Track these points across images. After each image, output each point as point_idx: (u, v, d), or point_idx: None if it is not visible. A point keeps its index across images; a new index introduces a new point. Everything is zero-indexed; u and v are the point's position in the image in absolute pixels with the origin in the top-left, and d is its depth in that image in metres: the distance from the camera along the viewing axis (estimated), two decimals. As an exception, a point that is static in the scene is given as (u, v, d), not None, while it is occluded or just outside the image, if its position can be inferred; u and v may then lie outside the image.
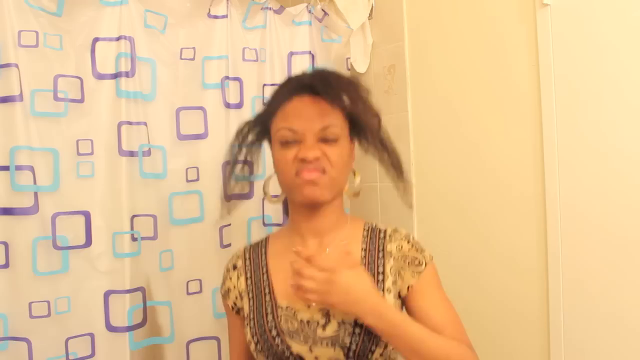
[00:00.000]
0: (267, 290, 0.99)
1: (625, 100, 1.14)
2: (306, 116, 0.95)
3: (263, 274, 1.01)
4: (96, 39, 1.43)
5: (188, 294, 1.54)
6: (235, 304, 1.04)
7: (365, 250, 1.03)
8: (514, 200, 1.37)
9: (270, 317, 0.95)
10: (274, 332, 0.93)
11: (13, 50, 1.31)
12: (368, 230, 1.06)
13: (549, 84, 1.26)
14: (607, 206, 1.18)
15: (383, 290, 0.98)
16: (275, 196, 1.07)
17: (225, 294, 1.06)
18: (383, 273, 1.00)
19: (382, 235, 1.06)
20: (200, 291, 1.56)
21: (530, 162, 1.33)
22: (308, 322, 0.94)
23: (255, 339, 0.95)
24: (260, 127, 1.04)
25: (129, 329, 1.42)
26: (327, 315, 0.94)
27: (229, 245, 1.59)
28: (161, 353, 1.52)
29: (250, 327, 0.96)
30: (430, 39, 1.58)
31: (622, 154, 1.15)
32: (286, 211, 1.10)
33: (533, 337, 1.34)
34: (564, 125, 1.24)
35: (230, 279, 1.05)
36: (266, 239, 1.09)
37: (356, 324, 0.92)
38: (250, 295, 1.00)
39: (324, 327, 0.93)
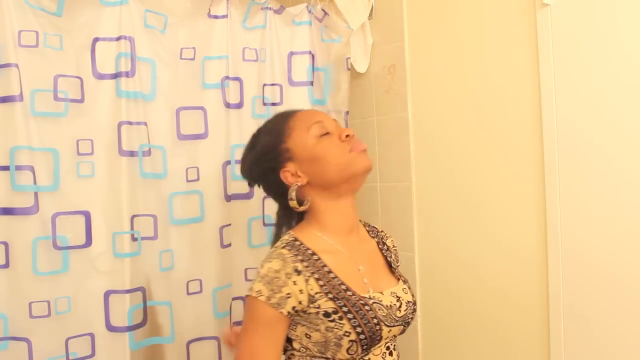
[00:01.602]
0: (343, 287, 1.00)
1: (625, 99, 1.14)
2: (320, 115, 1.12)
3: (329, 273, 1.01)
4: (96, 39, 1.43)
5: (188, 294, 1.54)
6: (294, 308, 0.98)
7: (378, 243, 1.18)
8: (514, 200, 1.37)
9: (368, 309, 1.00)
10: (375, 321, 0.99)
11: (13, 50, 1.31)
12: (365, 226, 1.20)
13: (549, 84, 1.27)
14: (607, 206, 1.18)
15: (404, 279, 1.15)
16: (301, 202, 1.09)
17: (283, 301, 0.97)
18: (396, 263, 1.20)
19: (377, 231, 1.21)
20: (200, 291, 1.56)
21: (530, 161, 1.33)
22: (391, 306, 1.04)
23: (362, 331, 0.98)
24: (270, 158, 1.10)
25: (129, 329, 1.42)
26: (398, 298, 1.07)
27: (229, 245, 1.59)
28: (161, 353, 1.52)
29: (352, 323, 0.98)
30: (430, 39, 1.58)
31: (622, 153, 1.15)
32: (292, 216, 1.14)
33: (533, 333, 1.34)
34: (564, 125, 1.25)
35: (295, 283, 0.98)
36: (298, 240, 1.05)
37: (414, 302, 1.11)
38: (331, 295, 0.99)
39: (399, 308, 1.05)
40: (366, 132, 1.81)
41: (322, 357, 1.00)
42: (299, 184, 1.07)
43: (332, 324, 0.97)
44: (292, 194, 1.07)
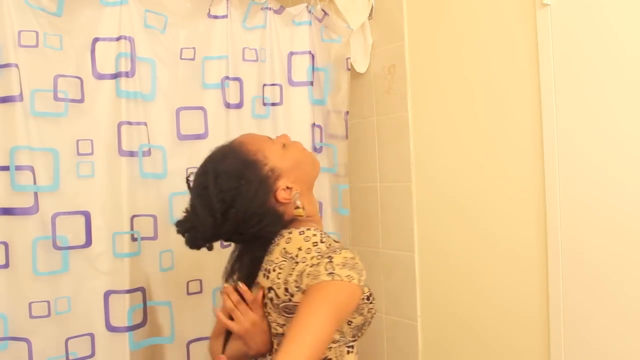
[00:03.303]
0: None
1: (625, 99, 1.14)
2: (258, 135, 1.21)
3: None
4: (96, 39, 1.43)
5: (188, 294, 1.54)
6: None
7: None
8: (514, 200, 1.37)
9: None
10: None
11: (13, 50, 1.31)
12: None
13: (549, 84, 1.27)
14: (607, 206, 1.18)
15: None
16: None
17: (364, 284, 1.00)
18: None
19: None
20: (200, 291, 1.56)
21: (530, 161, 1.33)
22: None
23: (373, 313, 1.07)
24: (262, 190, 1.07)
25: (129, 329, 1.42)
26: None
27: (229, 245, 1.58)
28: (161, 353, 1.52)
29: (373, 305, 1.06)
30: (430, 39, 1.58)
31: (622, 152, 1.15)
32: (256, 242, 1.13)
33: (533, 332, 1.34)
34: (564, 125, 1.24)
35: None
36: (323, 233, 1.09)
37: None
38: None
39: None
40: (366, 132, 1.81)
41: (352, 342, 1.05)
42: (298, 192, 1.08)
43: (371, 305, 1.04)
44: (298, 202, 1.08)
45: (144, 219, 1.48)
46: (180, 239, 1.52)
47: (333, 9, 1.74)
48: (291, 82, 1.69)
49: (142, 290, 1.48)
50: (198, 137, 1.56)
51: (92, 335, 1.41)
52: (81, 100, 1.42)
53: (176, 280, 1.53)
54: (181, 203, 1.53)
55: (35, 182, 1.34)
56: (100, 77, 1.44)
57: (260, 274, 1.08)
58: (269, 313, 1.07)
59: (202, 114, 1.56)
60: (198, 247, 1.09)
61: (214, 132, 1.56)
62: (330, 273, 0.93)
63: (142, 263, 1.47)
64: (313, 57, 1.70)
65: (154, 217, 1.50)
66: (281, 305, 1.02)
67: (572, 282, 1.25)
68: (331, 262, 0.95)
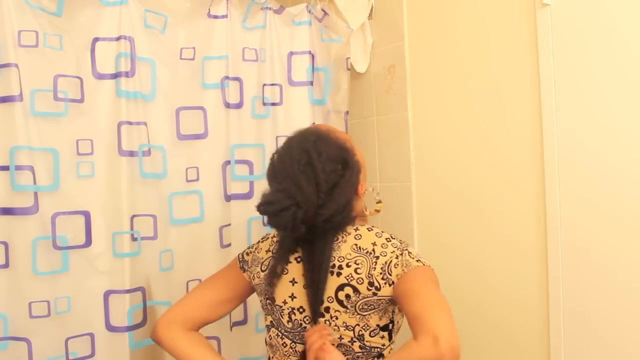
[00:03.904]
0: None
1: (625, 99, 1.14)
2: None
3: None
4: (96, 39, 1.43)
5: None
6: None
7: None
8: (514, 200, 1.37)
9: None
10: None
11: (13, 50, 1.31)
12: None
13: (549, 84, 1.26)
14: (607, 206, 1.18)
15: None
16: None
17: None
18: None
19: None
20: (200, 291, 1.56)
21: (530, 161, 1.33)
22: None
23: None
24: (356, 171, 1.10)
25: (129, 329, 1.42)
26: None
27: (229, 245, 1.59)
28: (161, 353, 1.52)
29: None
30: (430, 39, 1.58)
31: (622, 153, 1.15)
32: None
33: (533, 331, 1.34)
34: (564, 125, 1.24)
35: None
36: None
37: None
38: None
39: None
40: (366, 132, 1.81)
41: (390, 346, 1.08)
42: (372, 189, 1.14)
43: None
44: (378, 196, 1.14)
45: (144, 218, 1.48)
46: (180, 239, 1.54)
47: (333, 9, 1.74)
48: (291, 82, 1.69)
49: (142, 290, 1.48)
50: (198, 137, 1.56)
51: (92, 335, 1.41)
52: (81, 100, 1.42)
53: (176, 280, 1.53)
54: (181, 203, 1.54)
55: (35, 182, 1.34)
56: (100, 77, 1.44)
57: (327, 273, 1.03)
58: (335, 317, 1.02)
59: (202, 114, 1.56)
60: (296, 230, 0.97)
61: (213, 132, 1.57)
62: (418, 260, 1.01)
63: (142, 263, 1.47)
64: (313, 57, 1.70)
65: (154, 217, 1.50)
66: (360, 301, 1.01)
67: (572, 279, 1.25)
68: (411, 254, 1.03)
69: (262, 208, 0.98)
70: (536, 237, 1.32)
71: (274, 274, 1.06)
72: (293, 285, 1.06)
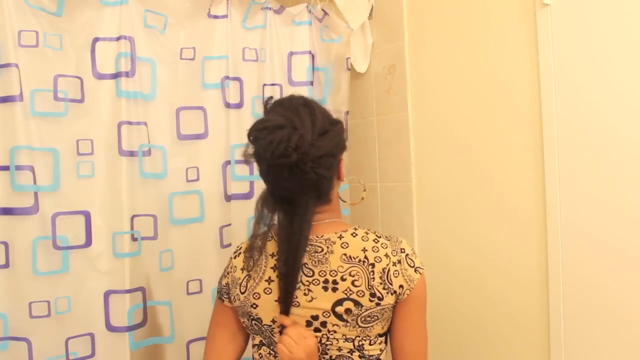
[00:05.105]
0: None
1: (625, 100, 1.14)
2: None
3: None
4: (96, 39, 1.43)
5: (188, 294, 1.54)
6: None
7: None
8: (514, 200, 1.37)
9: None
10: None
11: (13, 50, 1.31)
12: None
13: (549, 84, 1.27)
14: (607, 208, 1.18)
15: None
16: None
17: None
18: None
19: None
20: (200, 291, 1.56)
21: (530, 161, 1.33)
22: None
23: None
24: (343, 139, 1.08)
25: (129, 329, 1.42)
26: None
27: (229, 245, 1.59)
28: (161, 353, 1.52)
29: None
30: (430, 39, 1.58)
31: (623, 154, 1.15)
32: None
33: (533, 332, 1.34)
34: (564, 125, 1.24)
35: None
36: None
37: None
38: None
39: None
40: (366, 132, 1.81)
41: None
42: (355, 177, 1.14)
43: None
44: (364, 185, 1.12)
45: (144, 218, 1.48)
46: (180, 239, 1.54)
47: (333, 9, 1.74)
48: (291, 82, 1.69)
49: (142, 290, 1.48)
50: (198, 137, 1.56)
51: (92, 335, 1.41)
52: (81, 100, 1.42)
53: (176, 280, 1.53)
54: (181, 203, 1.54)
55: (35, 182, 1.34)
56: (100, 77, 1.44)
57: (318, 288, 0.99)
58: (334, 331, 0.99)
59: (202, 113, 1.56)
60: (286, 156, 0.92)
61: (213, 132, 1.57)
62: (415, 269, 1.02)
63: (142, 263, 1.47)
64: (313, 57, 1.70)
65: (154, 217, 1.50)
66: (363, 314, 0.98)
67: (572, 279, 1.25)
68: (408, 257, 1.02)
69: (254, 128, 0.96)
70: (536, 236, 1.32)
71: (254, 248, 1.04)
72: (279, 304, 1.02)
